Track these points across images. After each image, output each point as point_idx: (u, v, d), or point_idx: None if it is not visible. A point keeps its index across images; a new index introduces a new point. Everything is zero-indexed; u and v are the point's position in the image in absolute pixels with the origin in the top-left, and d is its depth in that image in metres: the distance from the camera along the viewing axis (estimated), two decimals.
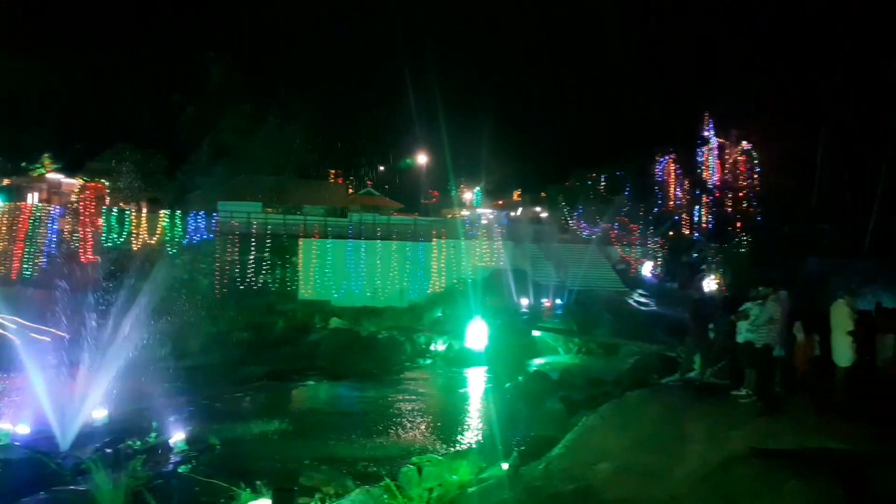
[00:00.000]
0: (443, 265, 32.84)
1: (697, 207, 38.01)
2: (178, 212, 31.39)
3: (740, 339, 10.56)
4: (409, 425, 17.22)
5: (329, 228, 33.43)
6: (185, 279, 27.51)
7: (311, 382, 22.03)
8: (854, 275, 33.29)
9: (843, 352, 10.86)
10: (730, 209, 37.18)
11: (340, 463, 13.16)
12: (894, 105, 40.55)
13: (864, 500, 6.95)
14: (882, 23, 39.18)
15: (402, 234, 33.83)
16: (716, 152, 38.61)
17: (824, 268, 34.57)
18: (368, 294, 31.31)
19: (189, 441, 13.67)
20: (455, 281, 32.17)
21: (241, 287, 29.73)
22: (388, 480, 10.67)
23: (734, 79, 38.45)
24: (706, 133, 38.51)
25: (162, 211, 31.66)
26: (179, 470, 12.32)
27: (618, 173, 39.91)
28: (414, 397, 20.51)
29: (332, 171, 45.00)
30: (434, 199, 49.89)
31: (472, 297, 28.74)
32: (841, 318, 10.92)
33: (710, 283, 31.96)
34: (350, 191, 46.14)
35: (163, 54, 48.83)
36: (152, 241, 30.59)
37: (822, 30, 43.36)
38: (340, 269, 31.53)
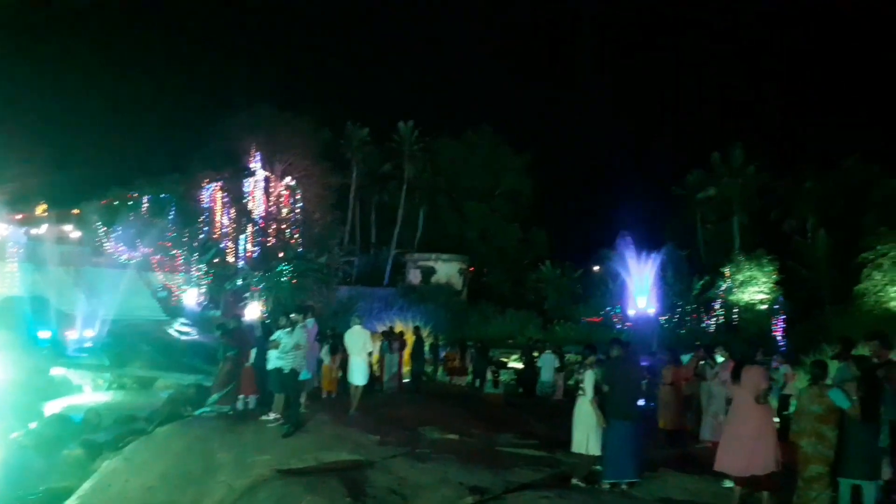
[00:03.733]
0: None
1: (243, 236, 38.81)
2: None
3: (270, 366, 11.06)
4: None
5: None
6: None
7: None
8: (376, 301, 38.48)
9: (358, 372, 12.35)
10: (273, 239, 38.98)
11: None
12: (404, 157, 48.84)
13: (364, 499, 7.94)
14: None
15: None
16: (262, 184, 40.20)
17: (352, 295, 39.06)
18: None
19: None
20: None
21: None
22: None
23: (283, 117, 40.90)
24: (253, 165, 39.81)
25: None
26: None
27: (162, 195, 38.11)
28: None
29: None
30: None
31: None
32: (357, 340, 12.41)
33: (253, 311, 32.81)
34: None
35: None
36: None
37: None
38: None
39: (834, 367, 8.33)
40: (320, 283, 35.53)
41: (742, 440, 7.60)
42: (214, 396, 12.43)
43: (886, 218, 33.05)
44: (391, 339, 17.34)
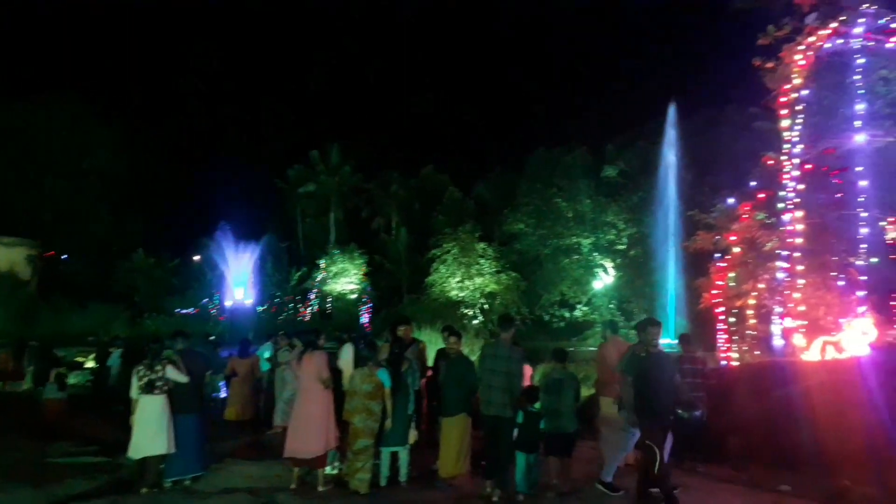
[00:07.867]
0: None
1: None
2: None
3: None
4: None
5: None
6: None
7: None
8: None
9: None
10: None
11: None
12: None
13: None
14: None
15: None
16: None
17: None
18: None
19: None
20: None
21: None
22: None
23: None
24: None
25: None
26: None
27: None
28: None
29: None
30: None
31: None
32: None
33: None
34: None
35: None
36: None
37: None
38: None
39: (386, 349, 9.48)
40: None
41: (306, 422, 8.09)
42: None
43: (451, 220, 39.21)
44: None
